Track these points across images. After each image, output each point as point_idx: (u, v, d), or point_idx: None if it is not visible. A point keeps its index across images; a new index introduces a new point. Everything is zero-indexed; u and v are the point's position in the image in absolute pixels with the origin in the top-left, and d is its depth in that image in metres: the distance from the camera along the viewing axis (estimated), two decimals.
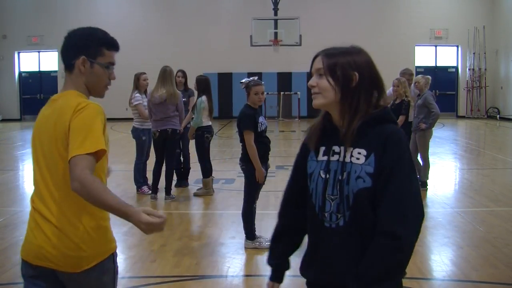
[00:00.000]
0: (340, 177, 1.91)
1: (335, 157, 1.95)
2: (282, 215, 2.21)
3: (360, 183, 1.86)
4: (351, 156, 1.90)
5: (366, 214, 1.88)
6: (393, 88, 7.89)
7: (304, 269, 2.17)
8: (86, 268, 2.22)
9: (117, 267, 2.41)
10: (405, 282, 4.94)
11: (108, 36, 2.45)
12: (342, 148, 1.93)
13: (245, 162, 5.44)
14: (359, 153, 1.89)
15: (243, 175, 5.76)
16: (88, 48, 2.37)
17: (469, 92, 22.92)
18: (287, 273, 4.86)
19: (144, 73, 8.30)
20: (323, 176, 1.96)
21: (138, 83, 8.15)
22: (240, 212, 5.68)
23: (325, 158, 1.97)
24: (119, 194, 8.12)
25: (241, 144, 5.53)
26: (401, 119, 7.73)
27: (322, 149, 1.99)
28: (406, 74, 8.52)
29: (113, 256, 2.38)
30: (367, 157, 1.87)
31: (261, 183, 5.51)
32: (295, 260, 5.53)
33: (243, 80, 5.65)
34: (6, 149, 14.99)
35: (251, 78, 5.68)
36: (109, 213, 2.28)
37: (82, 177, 2.02)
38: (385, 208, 1.82)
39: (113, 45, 2.44)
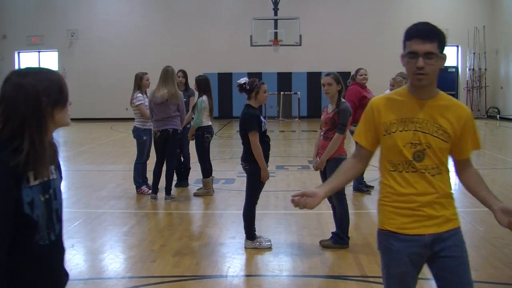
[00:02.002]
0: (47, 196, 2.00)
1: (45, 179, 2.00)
2: None
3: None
4: (52, 173, 2.04)
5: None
6: (390, 88, 7.93)
7: None
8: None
9: (383, 245, 2.66)
10: None
11: (409, 29, 2.52)
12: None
13: (248, 162, 5.43)
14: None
15: (243, 175, 5.76)
16: (403, 46, 2.55)
17: (469, 92, 22.92)
18: (287, 273, 4.86)
19: (146, 73, 8.29)
20: (42, 198, 1.97)
21: (141, 83, 8.14)
22: (240, 212, 5.68)
23: (37, 182, 1.95)
24: (119, 194, 8.15)
25: (243, 144, 5.52)
26: None
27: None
28: (400, 76, 8.58)
29: (380, 232, 2.66)
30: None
31: (263, 183, 5.51)
32: (293, 258, 5.53)
33: (242, 81, 5.57)
34: None
35: (244, 79, 5.65)
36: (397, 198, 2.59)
37: None
38: None
39: (410, 35, 2.50)
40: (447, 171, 2.57)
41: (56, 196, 2.04)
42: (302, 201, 2.57)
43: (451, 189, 2.58)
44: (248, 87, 5.49)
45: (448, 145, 2.53)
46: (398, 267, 2.60)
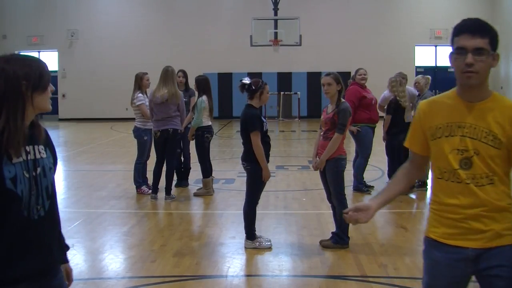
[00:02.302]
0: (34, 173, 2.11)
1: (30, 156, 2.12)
2: None
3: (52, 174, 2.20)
4: (40, 152, 2.17)
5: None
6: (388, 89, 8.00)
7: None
8: None
9: (425, 253, 2.58)
10: (405, 282, 4.95)
11: (458, 25, 2.34)
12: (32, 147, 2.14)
13: (250, 161, 5.42)
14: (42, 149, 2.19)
15: (243, 175, 5.76)
16: (451, 44, 2.34)
17: None
18: (286, 273, 4.86)
19: (147, 73, 8.30)
20: (27, 175, 2.07)
21: (141, 83, 8.14)
22: (240, 212, 5.69)
23: (21, 159, 2.07)
24: (119, 194, 8.15)
25: (244, 144, 5.51)
26: (386, 119, 7.75)
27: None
28: (399, 76, 8.65)
29: (424, 238, 2.56)
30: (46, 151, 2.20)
31: (264, 183, 5.52)
32: (293, 258, 5.53)
33: (248, 81, 5.55)
34: None
35: (247, 78, 5.65)
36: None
37: None
38: None
39: (458, 31, 2.32)
40: (504, 181, 2.32)
41: (45, 174, 2.14)
42: (354, 216, 2.48)
43: (508, 201, 2.32)
44: (253, 87, 5.49)
45: (501, 152, 2.27)
46: (435, 278, 2.48)
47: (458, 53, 2.26)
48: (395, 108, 7.77)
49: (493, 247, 2.30)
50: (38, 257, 2.10)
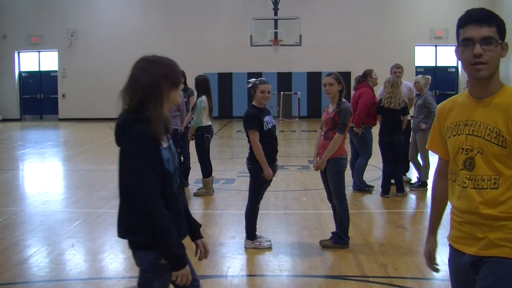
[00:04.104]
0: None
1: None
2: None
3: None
4: (169, 139, 2.68)
5: None
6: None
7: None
8: None
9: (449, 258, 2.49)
10: (405, 282, 4.94)
11: (462, 16, 2.21)
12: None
13: (252, 161, 5.42)
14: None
15: (243, 175, 5.77)
16: (457, 37, 2.23)
17: None
18: (286, 273, 4.86)
19: None
20: (171, 157, 2.61)
21: None
22: (241, 211, 5.68)
23: (166, 145, 2.59)
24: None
25: (248, 144, 5.52)
26: (404, 120, 7.75)
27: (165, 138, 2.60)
28: (394, 67, 8.72)
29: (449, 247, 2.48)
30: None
31: (266, 183, 5.51)
32: (293, 258, 5.51)
33: (251, 80, 5.64)
34: (6, 149, 14.99)
35: (259, 79, 5.70)
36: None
37: None
38: None
39: (463, 22, 2.18)
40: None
41: (174, 157, 2.66)
42: (432, 265, 2.66)
43: None
44: (249, 86, 5.54)
45: (508, 151, 2.11)
46: (451, 280, 2.49)
47: (464, 44, 2.14)
48: (380, 110, 7.80)
49: (487, 256, 2.19)
50: (178, 219, 2.63)
